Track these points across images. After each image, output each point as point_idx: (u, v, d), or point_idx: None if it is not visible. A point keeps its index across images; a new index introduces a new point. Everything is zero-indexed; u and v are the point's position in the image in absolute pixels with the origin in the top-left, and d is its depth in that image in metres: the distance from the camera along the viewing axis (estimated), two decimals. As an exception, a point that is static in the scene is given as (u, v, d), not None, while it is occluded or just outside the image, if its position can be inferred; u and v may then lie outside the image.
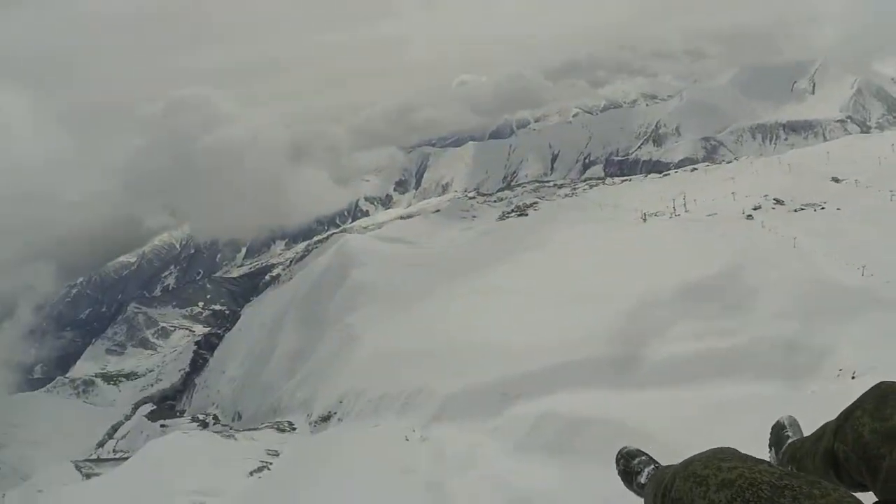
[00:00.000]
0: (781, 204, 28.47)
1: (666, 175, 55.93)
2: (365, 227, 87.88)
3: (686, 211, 30.01)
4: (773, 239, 16.39)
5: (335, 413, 25.58)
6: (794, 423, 2.77)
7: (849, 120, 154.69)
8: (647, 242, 22.36)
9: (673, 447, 5.36)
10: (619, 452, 2.65)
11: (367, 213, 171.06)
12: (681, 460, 2.18)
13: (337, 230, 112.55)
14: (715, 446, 1.76)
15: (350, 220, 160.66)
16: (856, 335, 9.93)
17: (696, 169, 53.08)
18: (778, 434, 2.78)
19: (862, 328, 10.56)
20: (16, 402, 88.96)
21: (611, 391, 8.28)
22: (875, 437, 1.57)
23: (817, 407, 6.34)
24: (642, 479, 2.43)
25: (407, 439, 14.46)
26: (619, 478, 2.63)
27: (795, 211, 26.80)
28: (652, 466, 2.48)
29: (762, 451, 4.79)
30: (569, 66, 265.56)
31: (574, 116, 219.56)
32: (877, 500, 1.49)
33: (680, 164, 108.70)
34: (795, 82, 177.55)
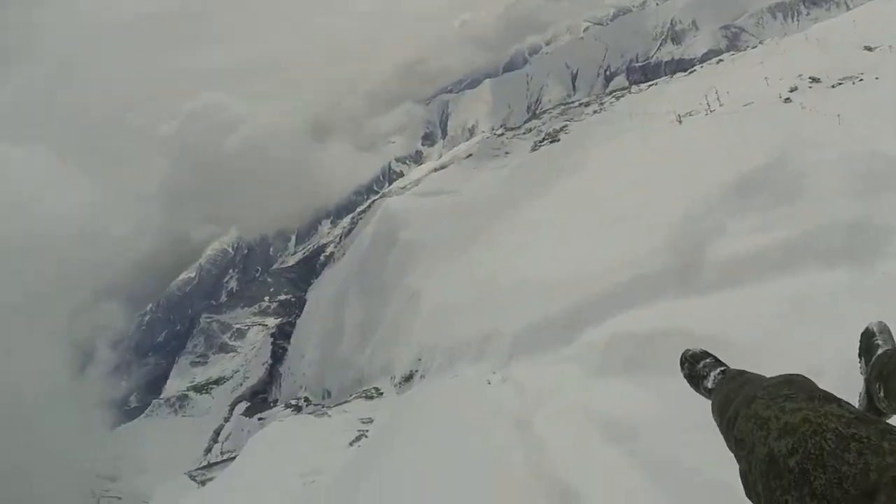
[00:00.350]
0: (817, 81, 26.91)
1: (692, 72, 53.53)
2: (402, 188, 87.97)
3: (721, 105, 28.66)
4: (815, 119, 15.53)
5: (416, 371, 26.19)
6: (885, 330, 2.64)
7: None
8: (686, 145, 21.66)
9: (748, 349, 5.37)
10: (683, 355, 2.60)
11: (401, 174, 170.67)
12: (746, 373, 2.07)
13: (376, 196, 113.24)
14: (787, 372, 1.68)
15: (387, 185, 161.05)
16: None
17: (721, 60, 50.60)
18: (867, 342, 2.67)
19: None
20: (119, 435, 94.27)
21: (676, 301, 8.19)
22: None
23: (891, 290, 6.15)
24: (709, 384, 2.35)
25: (489, 383, 14.72)
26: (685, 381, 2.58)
27: (833, 87, 25.28)
28: (718, 370, 2.39)
29: (839, 343, 4.71)
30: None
31: (585, 31, 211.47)
32: None
33: (704, 58, 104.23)
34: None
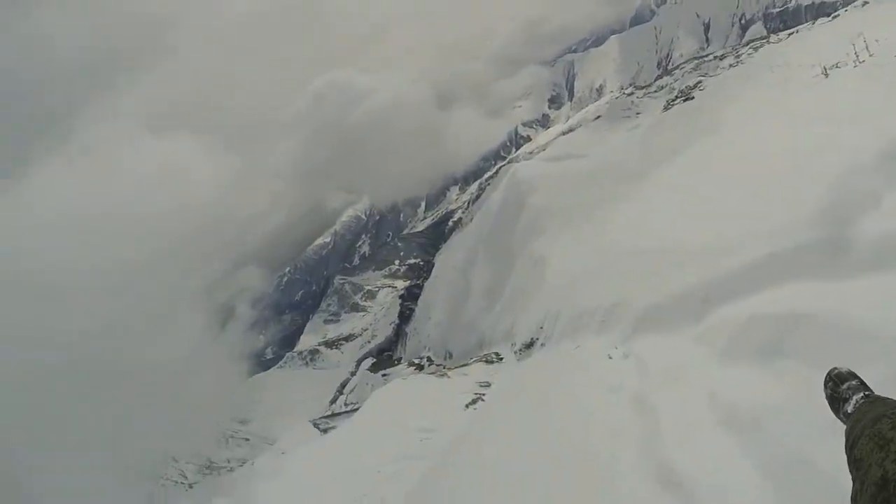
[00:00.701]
0: None
1: (835, 17, 47.80)
2: (530, 153, 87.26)
3: (870, 55, 25.33)
4: None
5: (537, 339, 25.94)
6: None
7: None
8: (834, 101, 19.47)
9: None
10: (829, 374, 2.44)
11: (528, 139, 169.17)
12: (889, 400, 1.90)
13: (504, 162, 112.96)
14: None
15: (514, 150, 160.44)
16: None
17: (867, 2, 44.76)
18: None
19: None
20: (253, 383, 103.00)
21: (819, 283, 7.29)
22: None
23: None
24: (849, 409, 2.20)
25: (610, 357, 14.22)
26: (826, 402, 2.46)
27: None
28: (861, 395, 2.24)
29: None
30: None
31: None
32: None
33: (848, 1, 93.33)
34: None
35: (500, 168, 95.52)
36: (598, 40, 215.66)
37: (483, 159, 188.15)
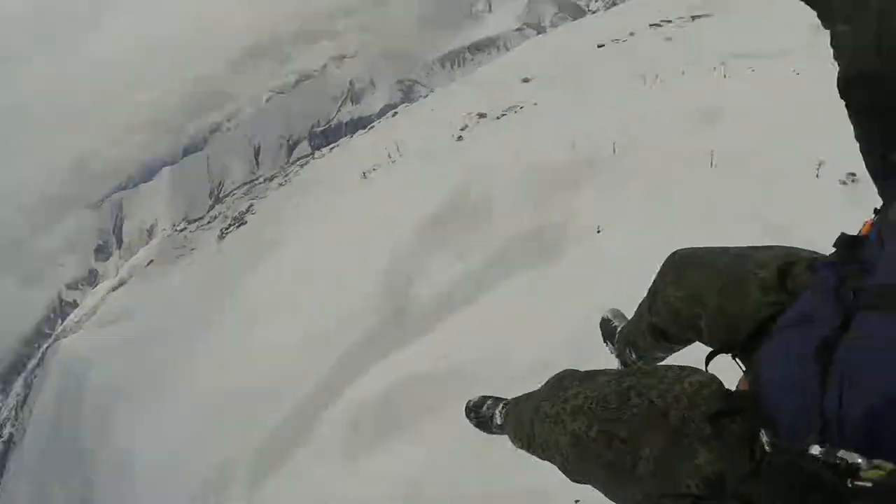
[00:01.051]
0: (484, 116, 30.42)
1: (371, 128, 56.98)
2: (78, 322, 79.38)
3: (400, 155, 30.94)
4: (486, 148, 17.56)
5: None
6: (619, 314, 3.19)
7: (525, 27, 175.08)
8: (373, 198, 22.65)
9: (481, 375, 5.35)
10: (466, 407, 2.88)
11: (75, 304, 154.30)
12: (523, 395, 2.24)
13: (50, 341, 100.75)
14: (559, 370, 1.91)
15: (61, 322, 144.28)
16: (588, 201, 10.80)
17: (396, 113, 54.75)
18: (606, 328, 3.21)
19: (594, 193, 11.59)
20: None
21: (401, 351, 8.25)
22: (684, 304, 1.76)
23: (571, 275, 6.92)
24: (498, 421, 2.62)
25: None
26: (478, 432, 2.87)
27: (497, 118, 28.90)
28: (501, 405, 2.67)
29: (531, 343, 4.77)
30: (252, 51, 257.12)
31: (268, 101, 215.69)
32: (710, 350, 1.63)
33: (381, 113, 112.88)
34: (473, 6, 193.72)
35: (45, 350, 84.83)
36: (150, 174, 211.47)
37: (24, 343, 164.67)
